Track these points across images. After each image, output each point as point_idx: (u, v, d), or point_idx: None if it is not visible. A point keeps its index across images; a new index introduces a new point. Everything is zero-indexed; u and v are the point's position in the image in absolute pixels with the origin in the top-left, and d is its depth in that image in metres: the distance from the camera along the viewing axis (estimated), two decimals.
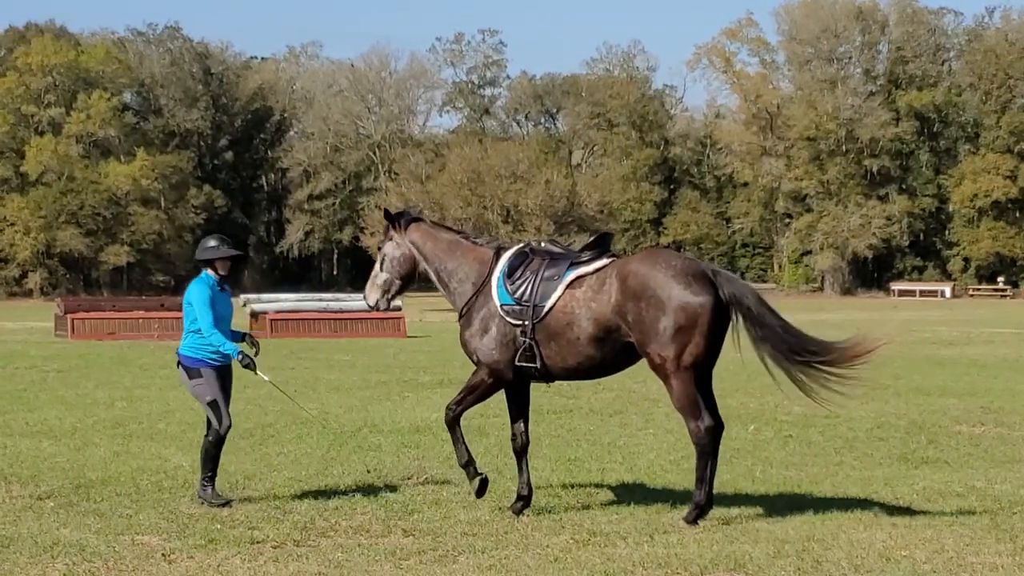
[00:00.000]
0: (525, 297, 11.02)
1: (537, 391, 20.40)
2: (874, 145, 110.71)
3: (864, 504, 11.56)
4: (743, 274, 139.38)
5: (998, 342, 38.80)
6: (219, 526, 10.51)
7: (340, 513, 11.12)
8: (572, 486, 12.61)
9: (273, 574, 9.02)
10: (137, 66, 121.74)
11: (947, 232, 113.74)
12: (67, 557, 9.46)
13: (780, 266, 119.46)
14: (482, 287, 11.31)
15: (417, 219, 11.96)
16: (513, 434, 11.56)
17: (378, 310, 12.12)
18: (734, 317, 10.78)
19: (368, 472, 13.31)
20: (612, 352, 10.90)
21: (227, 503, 11.50)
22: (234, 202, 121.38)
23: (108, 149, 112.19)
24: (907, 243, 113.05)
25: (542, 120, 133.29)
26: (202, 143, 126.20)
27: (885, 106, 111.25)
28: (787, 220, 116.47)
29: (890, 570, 9.01)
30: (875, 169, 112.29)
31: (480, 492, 11.30)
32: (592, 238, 11.60)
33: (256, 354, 12.05)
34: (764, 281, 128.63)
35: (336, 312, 43.13)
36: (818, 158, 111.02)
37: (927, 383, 24.11)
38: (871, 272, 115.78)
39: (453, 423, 11.40)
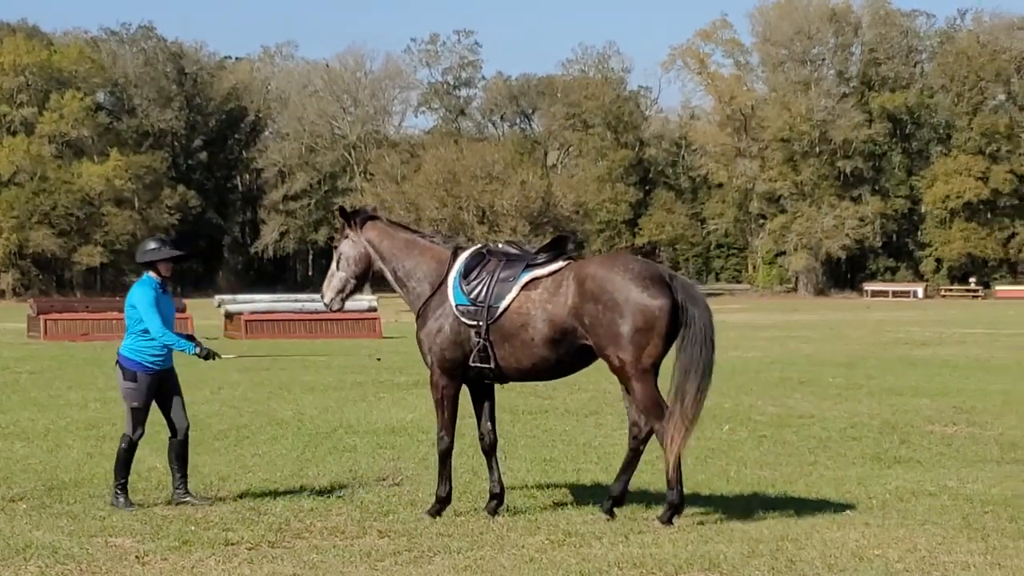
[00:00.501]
0: (480, 298, 11.01)
1: (512, 392, 20.45)
2: (847, 146, 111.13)
3: (837, 503, 11.60)
4: (717, 275, 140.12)
5: (970, 342, 38.98)
6: (193, 528, 10.48)
7: (315, 514, 11.10)
8: (547, 486, 12.61)
9: (248, 575, 9.00)
10: (110, 66, 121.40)
11: (919, 233, 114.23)
12: (40, 559, 9.42)
13: (754, 267, 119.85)
14: (439, 287, 11.31)
15: (373, 217, 11.92)
16: (481, 434, 11.56)
17: (332, 310, 12.02)
18: (685, 325, 10.75)
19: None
20: (567, 354, 10.92)
21: (131, 506, 11.45)
22: (208, 202, 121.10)
23: (81, 149, 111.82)
24: (880, 244, 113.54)
25: (517, 121, 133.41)
26: (176, 143, 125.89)
27: (858, 108, 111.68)
28: (761, 221, 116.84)
29: (863, 569, 9.05)
30: (848, 170, 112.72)
31: (433, 513, 11.14)
32: (549, 240, 11.62)
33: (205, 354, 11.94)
34: (739, 281, 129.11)
35: (311, 313, 43.02)
36: (792, 159, 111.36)
37: (900, 383, 24.20)
38: (844, 273, 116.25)
39: (446, 454, 11.29)
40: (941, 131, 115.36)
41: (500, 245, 11.63)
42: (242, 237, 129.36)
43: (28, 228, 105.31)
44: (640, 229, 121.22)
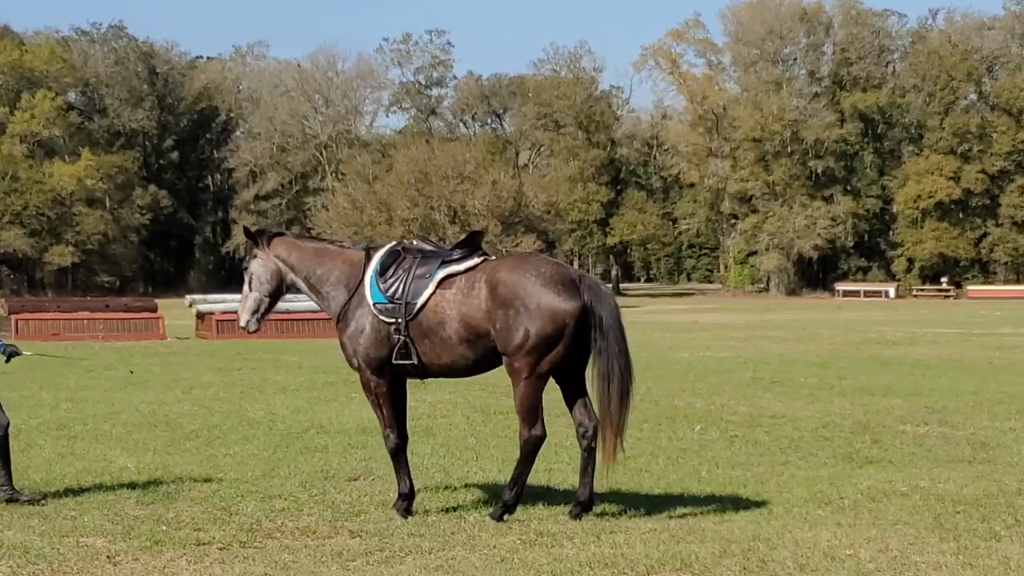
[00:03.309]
0: (397, 295, 11.03)
1: (483, 391, 20.45)
2: (819, 146, 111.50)
3: (809, 503, 11.61)
4: (689, 275, 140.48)
5: (942, 342, 39.15)
6: (164, 528, 10.45)
7: (286, 514, 11.08)
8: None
9: (219, 575, 8.99)
10: (82, 65, 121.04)
11: (891, 233, 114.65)
12: (11, 559, 9.38)
13: (726, 266, 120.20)
14: (356, 288, 11.31)
15: (279, 234, 11.97)
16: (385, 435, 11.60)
17: (249, 331, 12.01)
18: (594, 327, 10.77)
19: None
20: (485, 353, 10.94)
21: None
22: (180, 202, 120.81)
23: (52, 149, 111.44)
24: (852, 244, 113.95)
25: (489, 121, 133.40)
26: (147, 143, 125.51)
27: (830, 107, 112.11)
28: (733, 221, 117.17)
29: (835, 569, 9.06)
30: (820, 170, 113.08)
31: (401, 511, 11.10)
32: (463, 236, 11.65)
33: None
34: (711, 281, 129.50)
35: (283, 313, 42.91)
36: (763, 159, 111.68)
37: (872, 383, 24.28)
38: (816, 273, 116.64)
39: (396, 451, 11.30)
40: (913, 131, 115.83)
41: (415, 242, 11.66)
42: (213, 237, 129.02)
43: None
44: (612, 229, 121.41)
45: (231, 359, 31.37)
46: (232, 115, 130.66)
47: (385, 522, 10.73)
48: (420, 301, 10.94)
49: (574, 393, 11.00)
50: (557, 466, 13.96)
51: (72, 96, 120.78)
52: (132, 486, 12.44)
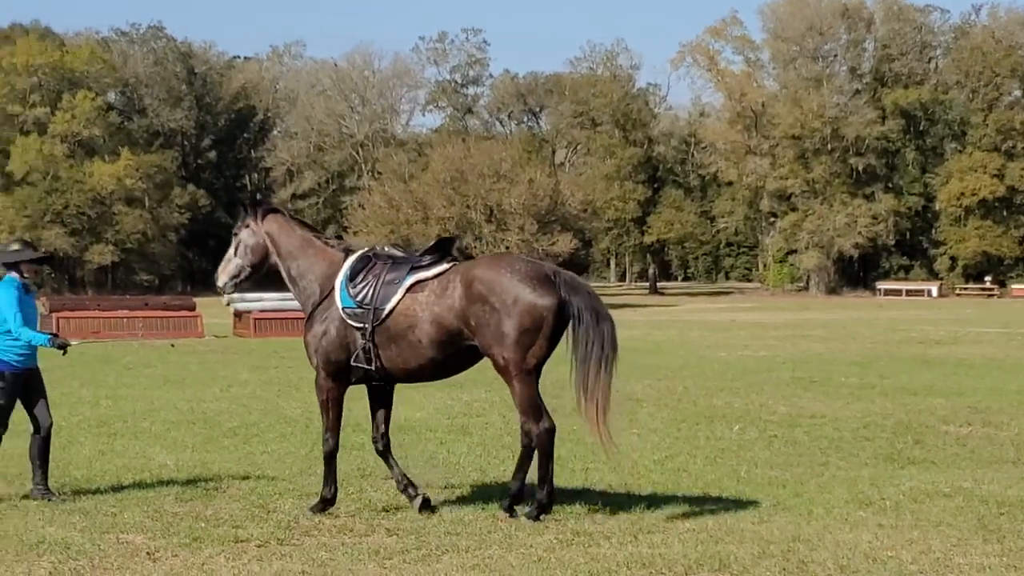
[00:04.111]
0: (366, 300, 11.08)
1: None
2: (860, 143, 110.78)
3: (850, 504, 11.54)
4: (727, 274, 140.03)
5: (985, 342, 38.86)
6: (203, 525, 10.48)
7: (324, 512, 11.08)
8: (556, 486, 12.55)
9: (257, 573, 8.98)
10: (121, 66, 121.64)
11: (934, 231, 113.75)
12: (53, 555, 9.43)
13: (765, 265, 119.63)
14: (329, 291, 11.37)
15: (276, 210, 12.07)
16: (374, 438, 11.68)
17: (224, 293, 12.30)
18: (572, 317, 10.81)
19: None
20: (454, 355, 10.99)
21: None
22: (218, 201, 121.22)
23: (93, 149, 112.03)
24: (893, 242, 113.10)
25: (525, 119, 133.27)
26: (186, 143, 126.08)
27: (871, 104, 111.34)
28: (772, 219, 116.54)
29: (876, 571, 8.99)
30: (861, 168, 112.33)
31: (316, 511, 11.12)
32: (433, 242, 11.65)
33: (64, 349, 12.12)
34: (749, 280, 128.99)
35: None
36: (803, 157, 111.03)
37: (914, 383, 24.12)
38: (857, 271, 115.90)
39: (331, 455, 11.33)
40: (956, 128, 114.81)
41: (386, 248, 11.70)
42: None
43: (41, 227, 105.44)
44: (648, 227, 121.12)
45: (268, 357, 31.45)
46: (269, 115, 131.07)
47: (422, 520, 10.73)
48: (389, 307, 10.99)
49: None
50: (594, 465, 13.93)
51: (112, 96, 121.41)
52: (171, 483, 12.50)
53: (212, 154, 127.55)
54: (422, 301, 10.94)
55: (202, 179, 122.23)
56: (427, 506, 11.15)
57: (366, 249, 11.64)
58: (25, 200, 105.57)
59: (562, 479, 12.92)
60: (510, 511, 10.87)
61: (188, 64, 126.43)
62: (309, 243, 11.75)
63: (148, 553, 9.54)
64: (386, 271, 11.17)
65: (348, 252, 11.61)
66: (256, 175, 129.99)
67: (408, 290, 11.01)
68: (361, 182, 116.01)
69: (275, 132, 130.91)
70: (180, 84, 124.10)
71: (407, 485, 11.37)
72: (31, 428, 12.08)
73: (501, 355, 10.63)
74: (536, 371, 10.72)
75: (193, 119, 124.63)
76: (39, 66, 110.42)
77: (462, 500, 11.64)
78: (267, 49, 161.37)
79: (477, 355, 11.00)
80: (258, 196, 12.35)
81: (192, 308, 45.26)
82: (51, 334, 11.99)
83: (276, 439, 15.99)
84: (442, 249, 11.34)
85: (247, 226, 11.92)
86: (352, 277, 11.23)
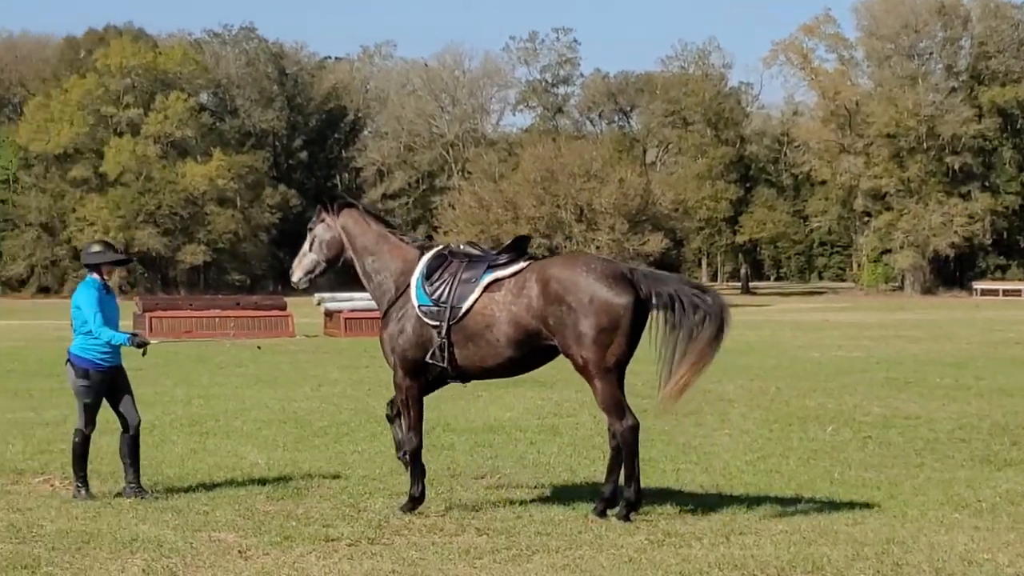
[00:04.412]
0: (443, 298, 11.08)
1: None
2: (956, 142, 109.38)
3: (945, 507, 11.39)
4: (820, 274, 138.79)
5: None
6: (294, 523, 10.53)
7: (414, 512, 11.10)
8: (648, 487, 12.50)
9: (347, 572, 9.01)
10: (213, 67, 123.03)
11: None
12: (145, 552, 9.52)
13: (859, 265, 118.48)
14: (404, 289, 11.38)
15: (351, 205, 12.07)
16: (390, 406, 11.73)
17: (299, 287, 12.34)
18: (653, 312, 10.78)
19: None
20: (530, 353, 10.99)
21: (93, 497, 11.82)
22: (309, 202, 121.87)
23: (185, 149, 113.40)
24: (990, 241, 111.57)
25: (616, 118, 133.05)
26: (277, 143, 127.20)
27: (967, 102, 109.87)
28: (866, 218, 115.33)
29: (972, 574, 8.86)
30: (957, 166, 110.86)
31: (406, 510, 11.12)
32: (509, 241, 11.62)
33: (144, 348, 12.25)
34: (843, 280, 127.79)
35: None
36: (898, 155, 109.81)
37: (1010, 384, 23.73)
38: (953, 271, 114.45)
39: (416, 453, 11.34)
40: None
41: (461, 246, 11.67)
42: None
43: (134, 227, 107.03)
44: (741, 227, 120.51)
45: (359, 357, 31.60)
46: (360, 115, 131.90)
47: (512, 520, 10.71)
48: (465, 305, 10.99)
49: None
50: (685, 466, 13.85)
51: (204, 97, 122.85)
52: (262, 482, 12.57)
53: (303, 154, 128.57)
54: (499, 300, 10.95)
55: (293, 179, 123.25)
56: (405, 456, 11.40)
57: (442, 247, 11.66)
58: (119, 200, 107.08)
59: (653, 479, 12.86)
60: (602, 514, 10.82)
61: (279, 65, 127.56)
62: (384, 239, 11.78)
63: (240, 551, 9.60)
64: (462, 269, 11.18)
65: (423, 249, 11.63)
66: (347, 175, 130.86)
67: (485, 289, 11.02)
68: (451, 182, 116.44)
69: (366, 132, 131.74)
70: (272, 85, 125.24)
71: (406, 451, 11.48)
72: (121, 427, 12.23)
73: (580, 355, 10.61)
74: (617, 369, 10.67)
75: (284, 119, 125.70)
76: (132, 68, 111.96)
77: (552, 500, 11.61)
78: (358, 49, 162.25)
79: (552, 353, 10.99)
80: (332, 194, 12.44)
81: (283, 308, 45.63)
82: (131, 333, 12.13)
83: (366, 438, 16.05)
84: (518, 248, 11.34)
85: (322, 221, 11.98)
86: (428, 275, 11.24)
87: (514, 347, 10.90)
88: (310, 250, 11.99)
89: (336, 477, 12.94)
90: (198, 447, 15.28)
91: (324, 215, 11.98)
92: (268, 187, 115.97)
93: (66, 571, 9.02)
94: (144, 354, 12.41)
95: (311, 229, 12.05)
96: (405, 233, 12.13)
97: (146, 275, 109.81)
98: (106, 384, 12.02)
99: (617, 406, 10.70)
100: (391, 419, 11.76)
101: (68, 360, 12.09)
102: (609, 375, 10.63)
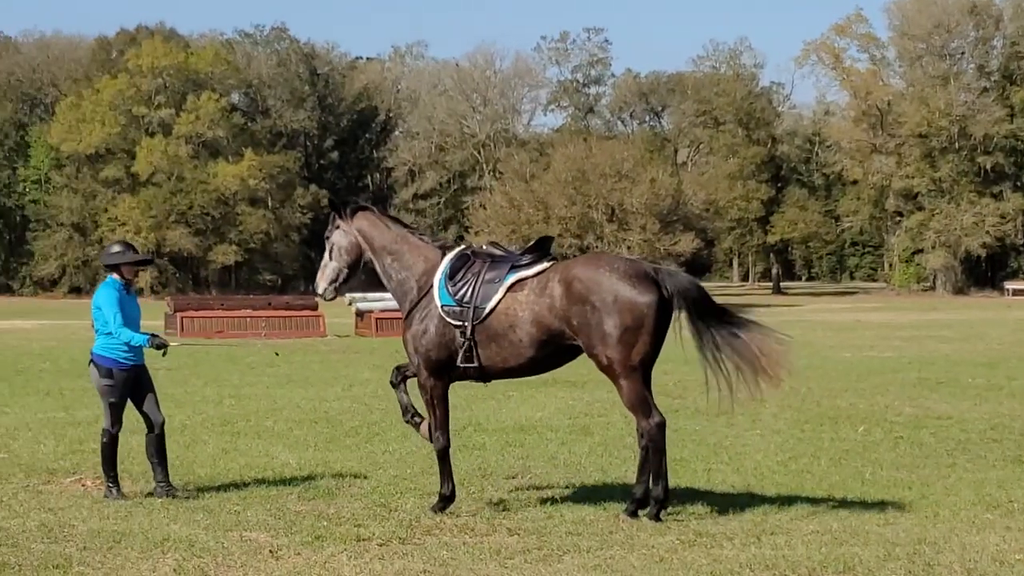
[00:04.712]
0: (466, 298, 11.10)
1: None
2: (988, 142, 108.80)
3: (977, 507, 11.34)
4: (852, 274, 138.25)
5: None
6: (325, 523, 10.56)
7: (445, 511, 11.11)
8: (678, 487, 12.49)
9: (379, 572, 9.03)
10: (245, 67, 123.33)
11: None
12: (177, 552, 9.56)
13: (891, 265, 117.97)
14: (427, 290, 11.40)
15: (364, 208, 12.11)
16: (394, 373, 11.86)
17: (326, 299, 12.30)
18: (676, 312, 10.81)
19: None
20: (554, 353, 11.01)
21: (124, 497, 11.89)
22: (340, 202, 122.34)
23: (216, 149, 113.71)
24: (1022, 241, 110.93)
25: (647, 118, 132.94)
26: (308, 143, 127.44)
27: (999, 102, 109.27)
28: (898, 218, 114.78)
29: (1004, 574, 8.83)
30: (989, 166, 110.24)
31: (437, 509, 11.17)
32: (532, 241, 11.63)
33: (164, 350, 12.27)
34: (874, 280, 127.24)
35: None
36: (930, 155, 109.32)
37: None
38: (984, 271, 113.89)
39: (444, 452, 11.37)
40: None
41: (484, 247, 11.70)
42: None
43: (165, 227, 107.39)
44: (772, 227, 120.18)
45: (390, 357, 31.62)
46: (391, 115, 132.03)
47: (543, 520, 10.71)
48: (489, 305, 11.02)
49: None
50: (716, 466, 13.83)
51: (235, 97, 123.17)
52: (293, 482, 12.61)
53: (334, 154, 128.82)
54: (522, 301, 10.97)
55: (324, 179, 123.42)
56: (413, 419, 11.57)
57: (464, 247, 11.69)
58: (150, 200, 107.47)
59: (684, 479, 12.85)
60: (633, 514, 10.82)
61: (311, 65, 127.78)
62: (403, 239, 11.81)
63: (271, 551, 9.63)
64: (486, 269, 11.21)
65: (444, 249, 11.66)
66: (378, 175, 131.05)
67: (509, 289, 11.04)
68: (482, 182, 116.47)
69: (397, 132, 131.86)
70: (303, 85, 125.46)
71: (413, 414, 11.68)
72: (146, 427, 12.29)
73: (604, 354, 10.62)
74: (642, 368, 10.68)
75: (316, 120, 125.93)
76: (164, 68, 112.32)
77: (583, 500, 11.60)
78: (389, 50, 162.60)
79: (575, 353, 11.01)
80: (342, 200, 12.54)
81: (314, 308, 45.73)
82: (150, 334, 12.15)
83: (397, 438, 16.07)
84: (541, 248, 11.37)
85: (338, 228, 12.02)
86: (451, 275, 11.27)
87: (536, 347, 10.92)
88: (331, 259, 12.01)
89: (367, 477, 12.97)
90: (229, 447, 15.33)
91: (339, 221, 12.03)
92: (299, 187, 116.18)
93: (98, 571, 9.06)
94: (164, 355, 12.46)
95: (328, 238, 12.09)
96: (424, 233, 12.15)
97: (177, 275, 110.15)
98: (130, 383, 12.09)
99: (643, 404, 10.71)
100: (395, 385, 11.91)
101: (91, 360, 12.16)
102: (634, 374, 10.63)
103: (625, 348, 10.57)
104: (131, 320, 12.06)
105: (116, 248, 12.43)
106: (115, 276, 12.23)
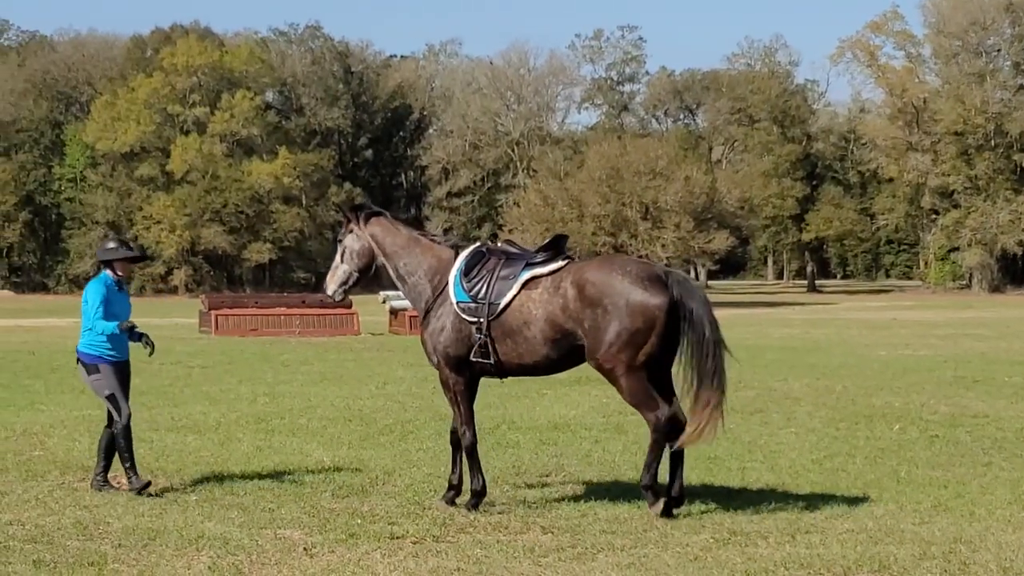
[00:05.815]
0: (481, 295, 11.18)
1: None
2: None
3: (1013, 505, 11.28)
4: (887, 272, 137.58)
5: None
6: (359, 521, 10.57)
7: (479, 509, 11.11)
8: (712, 485, 12.47)
9: (412, 569, 9.03)
10: (279, 65, 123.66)
11: None
12: (211, 550, 9.58)
13: (926, 263, 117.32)
14: (442, 288, 11.46)
15: (377, 213, 12.16)
16: (453, 428, 11.67)
17: (335, 301, 12.50)
18: (682, 323, 10.83)
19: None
20: (568, 352, 11.05)
21: (146, 485, 11.98)
22: (374, 199, 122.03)
23: (251, 148, 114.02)
24: None
25: (682, 116, 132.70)
26: (343, 141, 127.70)
27: None
28: (933, 216, 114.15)
29: None
30: None
31: (471, 507, 11.19)
32: (547, 239, 11.66)
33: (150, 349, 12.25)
34: (910, 278, 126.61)
35: None
36: (966, 153, 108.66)
37: None
38: (1021, 269, 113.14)
39: (472, 448, 11.41)
40: None
41: (499, 244, 11.78)
42: None
43: (200, 225, 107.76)
44: (807, 224, 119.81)
45: (423, 355, 31.61)
46: (425, 113, 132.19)
47: (577, 518, 10.71)
48: (504, 302, 11.09)
49: (659, 391, 10.93)
50: (751, 464, 13.79)
51: (270, 96, 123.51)
52: (328, 479, 12.63)
53: (368, 152, 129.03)
54: (536, 298, 11.05)
55: (358, 177, 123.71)
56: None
57: (479, 244, 11.76)
58: (185, 199, 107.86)
59: (719, 478, 12.83)
60: (667, 513, 10.80)
61: (345, 63, 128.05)
62: (415, 241, 11.90)
63: (305, 548, 9.65)
64: (500, 266, 11.29)
65: (457, 248, 11.75)
66: (412, 173, 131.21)
67: (523, 286, 11.11)
68: (516, 180, 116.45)
69: (431, 130, 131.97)
70: (337, 83, 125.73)
71: (455, 486, 11.53)
72: (106, 420, 12.37)
73: (610, 355, 10.69)
74: (644, 368, 10.74)
75: (350, 118, 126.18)
76: (199, 66, 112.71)
77: (618, 498, 11.59)
78: (423, 48, 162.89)
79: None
80: (356, 203, 12.70)
81: (348, 305, 45.67)
82: (119, 324, 12.06)
83: (431, 436, 16.08)
84: (556, 247, 11.42)
85: (351, 231, 12.08)
86: (467, 272, 11.35)
87: (550, 345, 11.01)
88: (342, 261, 12.09)
89: (401, 475, 12.98)
90: (264, 445, 15.37)
91: (352, 226, 12.09)
92: (333, 185, 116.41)
93: (132, 568, 9.09)
94: (151, 354, 12.45)
95: (340, 241, 12.17)
96: (436, 234, 12.26)
97: (212, 273, 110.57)
98: (117, 375, 12.15)
99: (648, 398, 10.79)
100: (455, 447, 11.79)
101: (78, 360, 12.26)
102: (637, 372, 10.72)
103: (633, 349, 10.66)
104: (119, 317, 12.13)
105: (111, 244, 12.54)
106: (108, 272, 12.32)
